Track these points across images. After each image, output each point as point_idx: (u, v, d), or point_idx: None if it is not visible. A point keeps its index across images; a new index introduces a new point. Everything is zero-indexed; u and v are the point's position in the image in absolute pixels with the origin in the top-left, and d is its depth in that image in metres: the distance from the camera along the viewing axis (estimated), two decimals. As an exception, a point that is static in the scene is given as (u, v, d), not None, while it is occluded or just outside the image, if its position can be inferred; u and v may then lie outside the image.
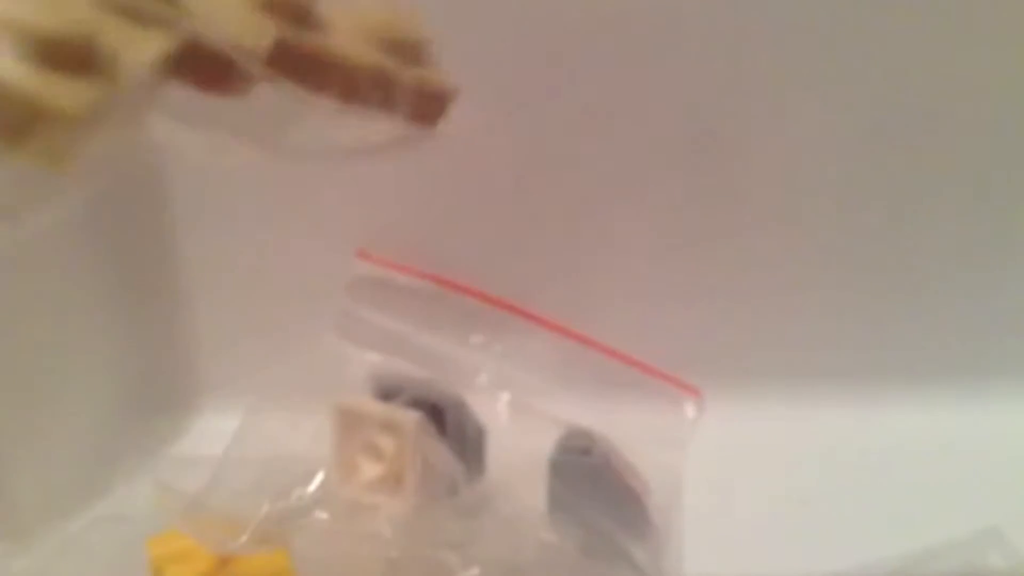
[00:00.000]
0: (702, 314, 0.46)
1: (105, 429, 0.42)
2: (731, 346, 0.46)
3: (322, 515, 0.34)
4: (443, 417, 0.37)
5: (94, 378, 0.43)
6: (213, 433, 0.39)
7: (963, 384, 0.47)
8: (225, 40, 0.22)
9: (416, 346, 0.43)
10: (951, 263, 0.46)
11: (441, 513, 0.35)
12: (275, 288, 0.45)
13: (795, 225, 0.45)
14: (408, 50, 0.26)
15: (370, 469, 0.35)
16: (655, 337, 0.45)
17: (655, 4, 0.41)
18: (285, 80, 0.24)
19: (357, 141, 0.27)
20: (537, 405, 0.41)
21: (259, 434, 0.37)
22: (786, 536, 0.40)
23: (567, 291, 0.45)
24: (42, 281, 0.40)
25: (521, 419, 0.41)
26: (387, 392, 0.37)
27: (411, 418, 0.35)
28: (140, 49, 0.20)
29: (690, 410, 0.44)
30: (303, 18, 0.25)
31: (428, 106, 0.27)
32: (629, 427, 0.40)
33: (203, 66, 0.22)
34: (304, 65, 0.24)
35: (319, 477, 0.35)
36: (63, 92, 0.19)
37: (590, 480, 0.38)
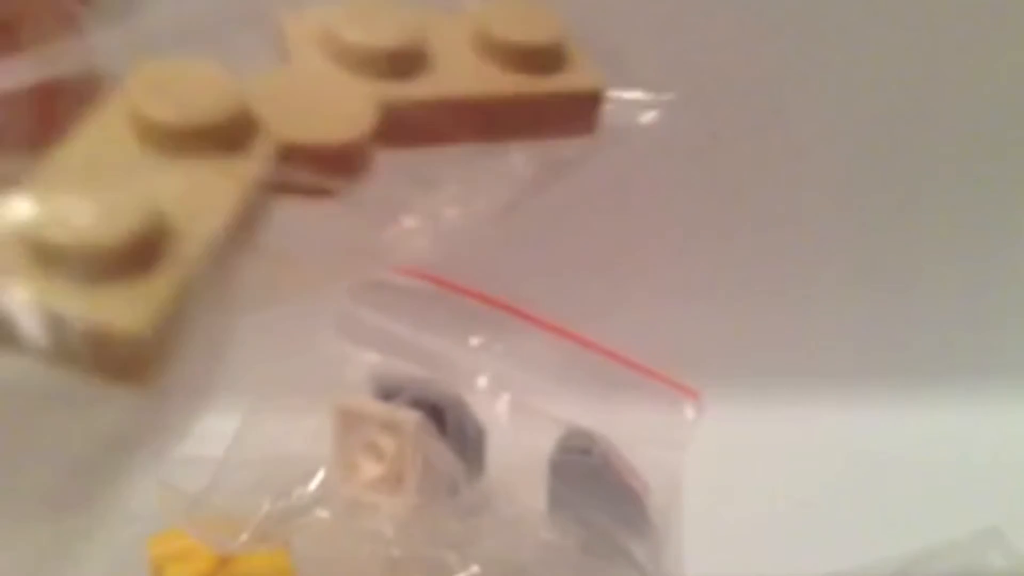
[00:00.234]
0: (702, 314, 0.46)
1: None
2: (731, 346, 0.46)
3: (322, 514, 0.34)
4: (443, 417, 0.37)
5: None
6: (213, 433, 0.39)
7: (963, 384, 0.47)
8: (320, 141, 0.18)
9: (416, 346, 0.43)
10: (952, 263, 0.46)
11: (441, 513, 0.35)
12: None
13: (795, 225, 0.45)
14: (545, 55, 0.21)
15: (370, 469, 0.35)
16: (655, 337, 0.45)
17: (656, 4, 0.41)
18: (403, 148, 0.19)
19: (511, 180, 0.22)
20: (537, 405, 0.41)
21: (259, 434, 0.37)
22: (786, 536, 0.40)
23: (567, 292, 0.45)
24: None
25: (521, 419, 0.41)
26: (387, 392, 0.37)
27: (411, 418, 0.35)
28: (212, 211, 0.17)
29: (689, 411, 0.44)
30: (408, 70, 0.20)
31: (579, 112, 0.22)
32: (629, 427, 0.40)
33: (302, 170, 0.18)
34: (422, 124, 0.20)
35: (319, 477, 0.35)
36: (123, 309, 0.15)
37: (590, 480, 0.38)
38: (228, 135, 0.18)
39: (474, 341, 0.44)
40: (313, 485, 0.35)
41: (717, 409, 0.44)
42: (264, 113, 0.18)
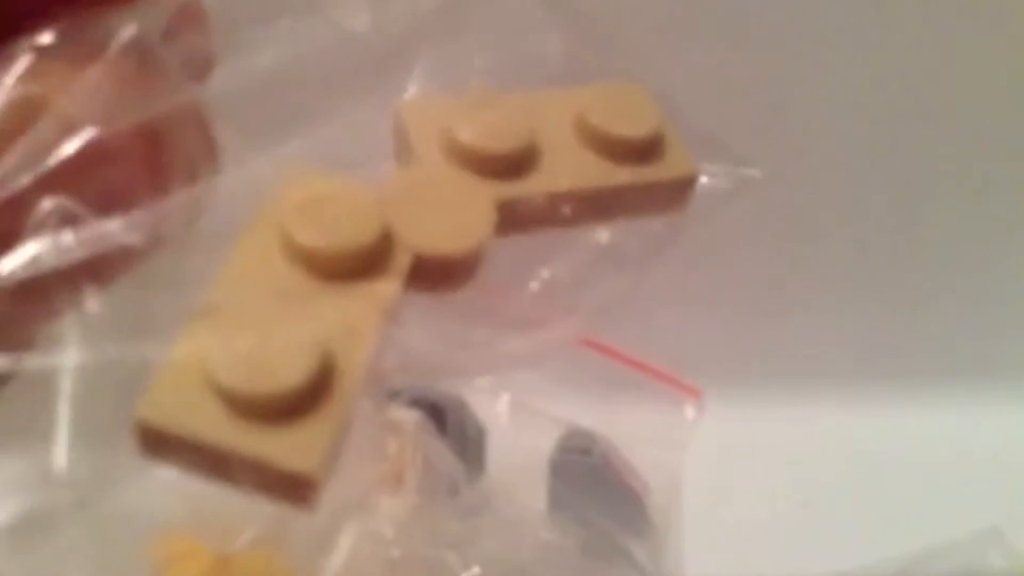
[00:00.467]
0: (702, 315, 0.46)
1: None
2: (731, 347, 0.46)
3: (322, 514, 0.34)
4: (443, 417, 0.37)
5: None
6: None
7: (963, 384, 0.47)
8: (449, 252, 0.19)
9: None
10: (952, 264, 0.46)
11: (441, 513, 0.35)
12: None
13: (795, 225, 0.45)
14: (647, 146, 0.22)
15: (370, 469, 0.35)
16: (655, 337, 0.45)
17: (656, 4, 0.41)
18: (507, 236, 0.20)
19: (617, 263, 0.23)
20: (537, 405, 0.41)
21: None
22: (786, 536, 0.40)
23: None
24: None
25: (521, 419, 0.41)
26: (387, 392, 0.37)
27: (411, 418, 0.35)
28: (363, 338, 0.17)
29: (690, 411, 0.44)
30: (522, 169, 0.21)
31: (676, 195, 0.23)
32: (629, 427, 0.40)
33: (427, 276, 0.19)
34: (531, 215, 0.21)
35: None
36: (294, 451, 0.16)
37: (590, 480, 0.38)
38: (373, 257, 0.18)
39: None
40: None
41: (717, 409, 0.44)
42: (397, 225, 0.19)
